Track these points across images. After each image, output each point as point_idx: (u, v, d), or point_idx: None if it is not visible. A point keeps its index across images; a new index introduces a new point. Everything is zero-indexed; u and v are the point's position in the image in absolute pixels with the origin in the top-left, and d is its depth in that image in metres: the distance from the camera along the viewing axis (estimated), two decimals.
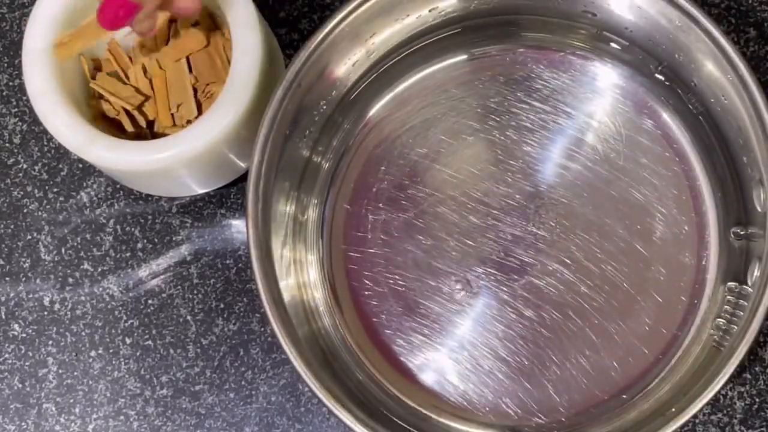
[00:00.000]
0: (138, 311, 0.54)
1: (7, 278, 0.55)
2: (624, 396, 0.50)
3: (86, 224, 0.55)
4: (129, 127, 0.51)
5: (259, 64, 0.47)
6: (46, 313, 0.54)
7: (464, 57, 0.54)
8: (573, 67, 0.53)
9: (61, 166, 0.56)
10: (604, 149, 0.52)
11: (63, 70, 0.49)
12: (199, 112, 0.51)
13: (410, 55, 0.53)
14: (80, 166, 0.56)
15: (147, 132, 0.51)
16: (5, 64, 0.57)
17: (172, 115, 0.51)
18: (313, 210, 0.53)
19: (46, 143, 0.56)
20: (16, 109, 0.57)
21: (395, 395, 0.51)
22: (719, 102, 0.49)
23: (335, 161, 0.53)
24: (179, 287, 0.54)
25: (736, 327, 0.47)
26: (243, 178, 0.53)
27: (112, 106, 0.51)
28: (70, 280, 0.54)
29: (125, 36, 0.52)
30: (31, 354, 0.54)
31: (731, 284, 0.49)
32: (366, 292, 0.51)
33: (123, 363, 0.53)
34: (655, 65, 0.52)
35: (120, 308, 0.54)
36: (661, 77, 0.52)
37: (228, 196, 0.55)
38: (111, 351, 0.54)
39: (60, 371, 0.54)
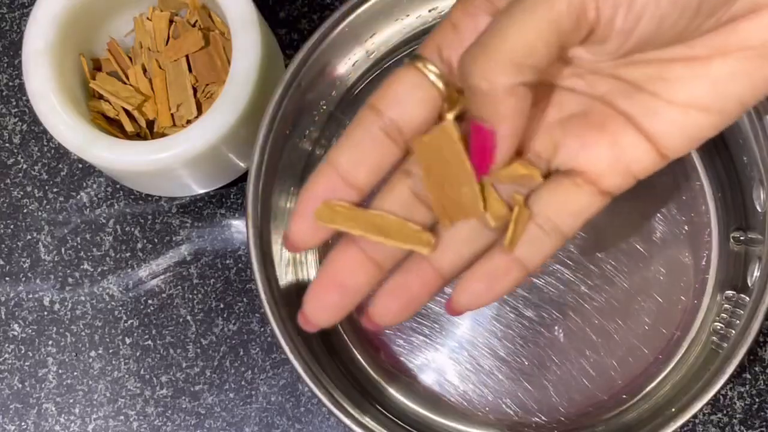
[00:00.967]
0: (138, 311, 0.54)
1: (7, 278, 0.55)
2: (624, 396, 0.50)
3: (86, 224, 0.55)
4: (129, 127, 0.51)
5: (259, 64, 0.47)
6: (46, 313, 0.54)
7: None
8: None
9: (61, 166, 0.56)
10: None
11: (63, 70, 0.49)
12: (199, 112, 0.51)
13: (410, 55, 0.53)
14: (80, 166, 0.56)
15: (147, 132, 0.51)
16: (5, 64, 0.57)
17: (172, 115, 0.51)
18: None
19: (46, 143, 0.56)
20: (16, 109, 0.57)
21: (395, 395, 0.51)
22: None
23: None
24: (179, 287, 0.54)
25: (736, 327, 0.47)
26: (243, 178, 0.53)
27: (112, 106, 0.51)
28: (70, 280, 0.54)
29: (125, 36, 0.53)
30: (31, 354, 0.54)
31: (731, 285, 0.49)
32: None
33: (123, 363, 0.53)
34: None
35: (120, 308, 0.54)
36: None
37: (228, 196, 0.55)
38: (111, 351, 0.54)
39: (60, 371, 0.54)
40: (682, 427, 0.44)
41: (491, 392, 0.50)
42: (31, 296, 0.54)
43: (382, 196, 0.36)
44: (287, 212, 0.51)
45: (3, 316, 0.54)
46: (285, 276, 0.50)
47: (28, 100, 0.54)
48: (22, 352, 0.54)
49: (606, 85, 0.36)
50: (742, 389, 0.52)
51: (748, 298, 0.47)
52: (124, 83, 0.51)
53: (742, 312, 0.47)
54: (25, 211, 0.55)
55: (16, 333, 0.54)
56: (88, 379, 0.53)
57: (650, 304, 0.50)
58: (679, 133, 0.35)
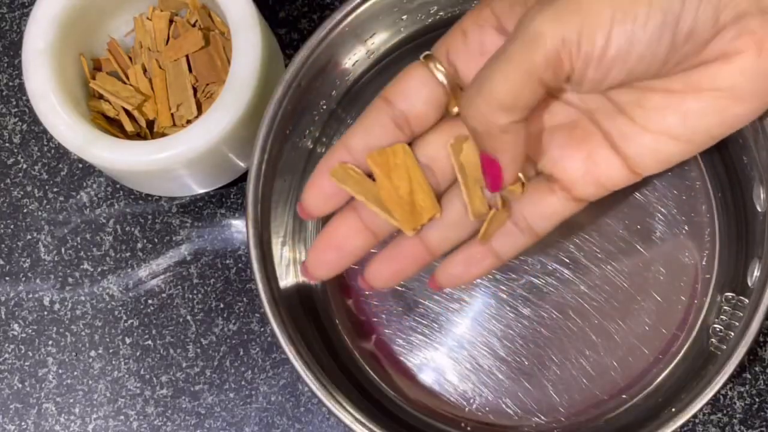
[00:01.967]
0: (138, 311, 0.54)
1: (7, 278, 0.55)
2: (624, 396, 0.50)
3: (86, 224, 0.55)
4: (129, 127, 0.51)
5: (259, 64, 0.47)
6: (45, 313, 0.54)
7: None
8: None
9: (61, 165, 0.56)
10: None
11: (63, 70, 0.49)
12: (199, 112, 0.51)
13: (410, 54, 0.53)
14: (80, 166, 0.56)
15: (147, 132, 0.51)
16: (5, 64, 0.57)
17: (172, 115, 0.51)
18: None
19: (46, 143, 0.56)
20: (16, 109, 0.57)
21: (395, 395, 0.51)
22: None
23: None
24: (179, 287, 0.54)
25: (735, 327, 0.47)
26: (243, 178, 0.53)
27: (112, 106, 0.51)
28: (70, 280, 0.54)
29: (125, 36, 0.53)
30: (31, 354, 0.54)
31: (731, 285, 0.49)
32: (365, 292, 0.51)
33: (123, 363, 0.53)
34: None
35: (120, 308, 0.54)
36: None
37: (228, 196, 0.55)
38: (111, 351, 0.54)
39: (60, 371, 0.54)
40: (682, 427, 0.44)
41: (491, 392, 0.50)
42: (31, 296, 0.54)
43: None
44: (287, 212, 0.51)
45: (3, 316, 0.54)
46: (285, 276, 0.50)
47: (28, 100, 0.54)
48: (22, 352, 0.54)
49: (596, 103, 0.40)
50: (742, 389, 0.52)
51: (746, 300, 0.47)
52: (124, 83, 0.51)
53: (741, 312, 0.47)
54: (25, 210, 0.55)
55: (16, 333, 0.54)
56: (88, 379, 0.53)
57: (650, 304, 0.50)
58: (650, 156, 0.39)
